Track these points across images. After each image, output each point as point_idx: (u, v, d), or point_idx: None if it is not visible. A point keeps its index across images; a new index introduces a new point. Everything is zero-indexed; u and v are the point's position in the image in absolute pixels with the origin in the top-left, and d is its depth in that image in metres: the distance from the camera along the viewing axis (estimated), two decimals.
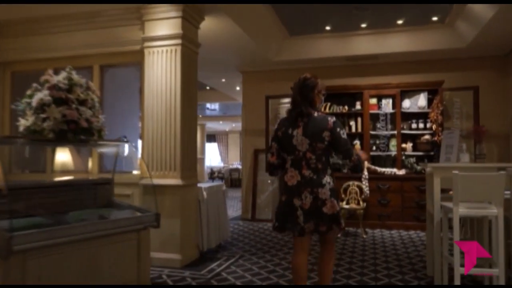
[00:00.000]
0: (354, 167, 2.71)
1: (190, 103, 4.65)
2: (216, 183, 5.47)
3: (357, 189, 6.25)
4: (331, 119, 2.63)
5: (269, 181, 7.41)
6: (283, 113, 7.27)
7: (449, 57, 6.78)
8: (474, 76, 6.69)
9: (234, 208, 9.23)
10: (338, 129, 2.61)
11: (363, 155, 2.86)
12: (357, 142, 6.83)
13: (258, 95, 7.41)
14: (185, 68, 4.52)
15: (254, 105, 7.59)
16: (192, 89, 4.72)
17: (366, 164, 6.24)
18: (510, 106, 6.60)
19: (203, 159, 19.12)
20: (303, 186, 2.58)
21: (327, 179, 2.60)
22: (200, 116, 18.06)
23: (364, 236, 5.89)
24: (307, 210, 2.57)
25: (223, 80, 8.86)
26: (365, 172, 6.50)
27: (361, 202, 6.20)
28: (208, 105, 15.72)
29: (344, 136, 2.63)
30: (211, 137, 21.80)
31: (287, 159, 2.69)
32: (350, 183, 6.29)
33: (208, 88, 11.16)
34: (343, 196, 6.24)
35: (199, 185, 4.82)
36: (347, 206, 6.04)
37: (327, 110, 7.00)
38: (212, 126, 19.85)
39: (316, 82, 2.71)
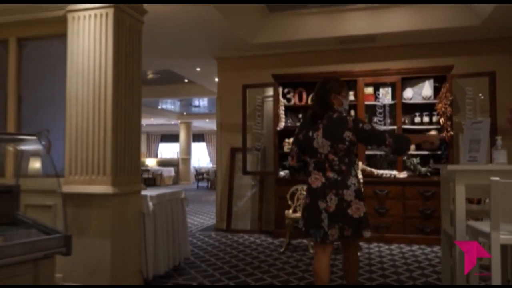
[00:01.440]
0: (395, 150, 2.59)
1: (130, 89, 3.56)
2: (172, 189, 4.38)
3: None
4: (350, 118, 2.61)
5: (252, 183, 6.33)
6: (267, 108, 6.22)
7: (460, 38, 5.73)
8: (490, 61, 5.63)
9: (210, 215, 8.12)
10: (361, 124, 2.58)
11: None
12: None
13: (235, 85, 6.33)
14: (120, 40, 3.42)
15: (231, 97, 6.51)
16: (134, 70, 3.62)
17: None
18: None
19: (189, 160, 18.05)
20: (328, 188, 2.57)
21: (352, 180, 2.58)
22: (185, 113, 16.97)
23: (359, 253, 4.81)
24: (332, 212, 2.54)
25: (198, 69, 7.78)
26: (360, 175, 5.42)
27: None
28: (196, 102, 14.61)
29: (369, 127, 2.58)
30: (200, 137, 20.71)
31: (309, 162, 2.70)
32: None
33: (186, 81, 10.07)
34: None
35: (144, 193, 3.73)
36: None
37: None
38: (199, 124, 18.75)
39: (333, 83, 2.72)
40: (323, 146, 2.59)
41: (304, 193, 5.34)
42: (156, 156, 20.68)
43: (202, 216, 7.99)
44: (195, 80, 9.22)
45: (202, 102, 14.54)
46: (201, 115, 16.94)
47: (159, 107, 15.19)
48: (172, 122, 18.09)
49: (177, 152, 19.07)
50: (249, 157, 6.22)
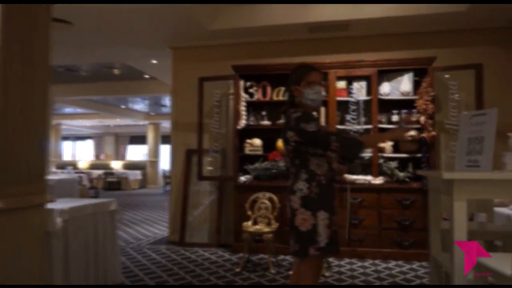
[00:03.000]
0: (343, 157, 2.22)
1: (30, 73, 2.73)
2: (100, 200, 3.56)
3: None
4: (294, 115, 2.26)
5: (210, 190, 5.57)
6: (227, 105, 5.48)
7: (444, 27, 5.11)
8: (475, 53, 5.03)
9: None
10: (302, 124, 2.21)
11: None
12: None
13: (192, 78, 5.55)
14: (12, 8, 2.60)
15: (187, 92, 5.73)
16: (36, 50, 2.79)
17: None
18: None
19: (157, 163, 17.14)
20: (287, 194, 2.35)
21: (299, 185, 2.25)
22: (153, 113, 16.07)
23: (326, 274, 4.10)
24: (288, 220, 2.33)
25: (154, 61, 6.97)
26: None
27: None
28: (164, 101, 13.71)
29: (312, 128, 2.20)
30: (169, 138, 19.75)
31: None
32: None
33: (147, 76, 9.22)
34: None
35: (52, 206, 2.91)
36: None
37: (280, 97, 5.20)
38: (169, 125, 17.83)
39: (296, 72, 2.37)
40: (283, 147, 2.43)
41: (266, 202, 4.66)
42: (123, 158, 19.61)
43: (158, 226, 7.15)
44: (155, 75, 8.40)
45: (170, 102, 13.67)
46: (170, 116, 16.07)
47: (123, 106, 14.24)
48: (140, 123, 17.15)
49: (145, 155, 18.09)
50: (208, 160, 5.46)
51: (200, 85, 5.33)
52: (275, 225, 4.42)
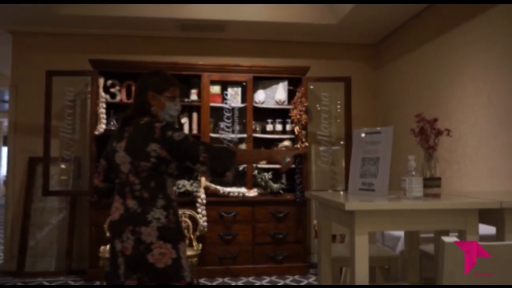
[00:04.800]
0: (214, 171, 1.88)
1: None
2: None
3: (188, 222, 4.03)
4: (159, 124, 1.89)
5: (60, 206, 4.64)
6: (83, 106, 4.66)
7: (317, 39, 5.16)
8: (346, 66, 5.17)
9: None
10: (170, 132, 1.86)
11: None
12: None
13: (38, 70, 4.58)
14: None
15: (32, 87, 4.74)
16: None
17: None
18: (380, 106, 5.28)
19: None
20: (125, 223, 1.87)
21: (155, 213, 1.86)
22: None
23: None
24: (128, 257, 1.85)
25: None
26: (202, 195, 4.33)
27: (195, 243, 3.99)
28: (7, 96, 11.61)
29: (181, 136, 1.86)
30: None
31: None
32: (180, 212, 4.03)
33: None
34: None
35: None
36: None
37: None
38: None
39: (157, 77, 2.03)
40: (124, 162, 1.91)
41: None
42: None
43: None
44: None
45: (9, 98, 11.66)
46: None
47: None
48: None
49: None
50: (57, 170, 4.57)
51: (48, 80, 4.41)
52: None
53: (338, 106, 4.90)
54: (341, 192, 3.75)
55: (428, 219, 1.70)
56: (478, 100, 3.42)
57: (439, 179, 1.89)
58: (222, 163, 1.85)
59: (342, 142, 4.83)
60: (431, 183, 1.87)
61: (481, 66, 3.39)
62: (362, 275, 1.56)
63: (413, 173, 1.75)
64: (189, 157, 1.87)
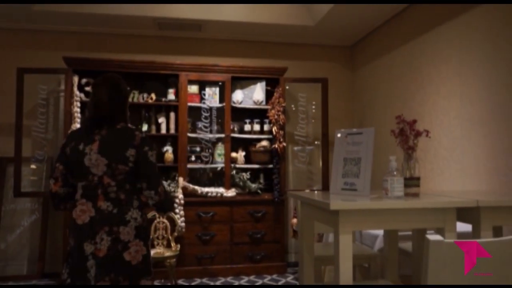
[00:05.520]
0: (163, 204, 2.05)
1: None
2: None
3: (166, 223, 4.00)
4: (140, 134, 2.02)
5: (32, 208, 4.50)
6: (56, 105, 4.54)
7: (295, 40, 5.20)
8: (322, 68, 5.25)
9: None
10: (147, 148, 1.99)
11: None
12: (168, 149, 4.58)
13: (9, 67, 4.43)
14: None
15: (2, 84, 4.58)
16: None
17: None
18: (356, 106, 5.38)
19: None
20: (99, 224, 1.91)
21: (132, 213, 1.96)
22: None
23: None
24: (102, 258, 1.88)
25: None
26: (180, 195, 4.29)
27: (173, 244, 3.96)
28: None
29: (153, 159, 2.01)
30: None
31: (77, 187, 1.98)
32: (157, 214, 4.00)
33: None
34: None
35: None
36: (152, 252, 3.75)
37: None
38: None
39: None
40: (98, 165, 1.93)
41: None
42: None
43: None
44: None
45: None
46: None
47: None
48: None
49: None
50: (29, 171, 4.44)
51: (19, 78, 4.26)
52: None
53: (313, 107, 4.97)
54: (316, 192, 3.81)
55: (409, 218, 1.76)
56: (451, 102, 3.54)
57: (419, 179, 1.96)
58: (171, 204, 2.11)
59: (316, 142, 4.91)
60: (411, 182, 1.94)
61: (454, 69, 3.51)
62: (346, 273, 1.60)
63: (395, 173, 1.81)
64: (148, 181, 1.97)
